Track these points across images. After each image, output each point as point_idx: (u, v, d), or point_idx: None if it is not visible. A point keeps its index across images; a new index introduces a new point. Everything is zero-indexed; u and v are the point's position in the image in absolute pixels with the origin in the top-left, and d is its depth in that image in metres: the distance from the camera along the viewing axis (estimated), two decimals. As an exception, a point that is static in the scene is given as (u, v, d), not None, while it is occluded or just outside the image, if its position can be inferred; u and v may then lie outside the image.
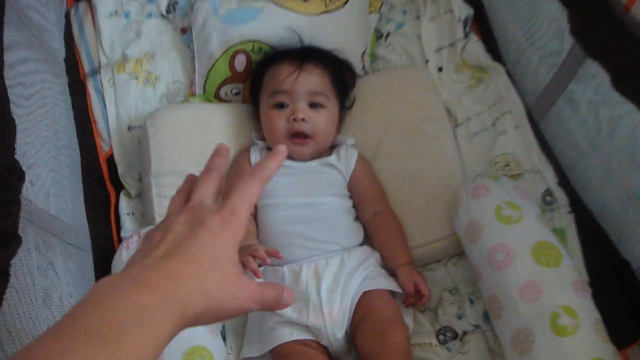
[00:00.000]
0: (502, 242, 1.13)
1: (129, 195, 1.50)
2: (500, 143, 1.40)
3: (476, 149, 1.44)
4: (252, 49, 1.53)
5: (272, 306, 0.61)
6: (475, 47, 1.54)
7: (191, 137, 1.45)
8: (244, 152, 1.44)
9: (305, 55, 1.42)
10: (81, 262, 1.20)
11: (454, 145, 1.42)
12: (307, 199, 1.34)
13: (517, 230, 1.14)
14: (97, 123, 1.57)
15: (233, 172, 1.42)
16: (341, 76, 1.45)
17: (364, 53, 1.60)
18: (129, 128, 1.56)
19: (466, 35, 1.56)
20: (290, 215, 1.33)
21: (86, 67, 1.63)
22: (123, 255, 1.24)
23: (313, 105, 1.36)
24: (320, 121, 1.36)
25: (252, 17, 1.54)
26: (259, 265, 1.20)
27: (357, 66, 1.56)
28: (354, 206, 1.38)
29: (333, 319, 1.20)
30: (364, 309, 1.20)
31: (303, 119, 1.34)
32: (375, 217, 1.35)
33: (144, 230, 1.27)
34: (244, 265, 1.14)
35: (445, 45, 1.58)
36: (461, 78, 1.54)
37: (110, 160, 1.53)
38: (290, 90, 1.36)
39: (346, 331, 1.22)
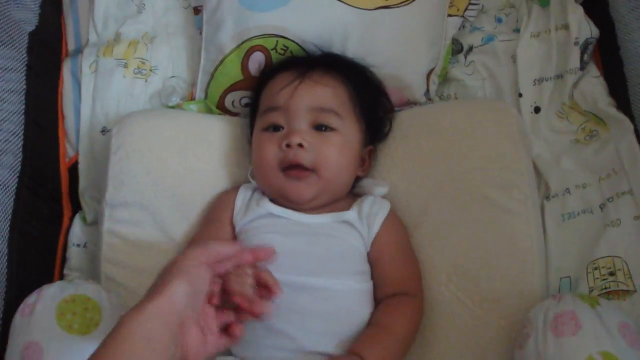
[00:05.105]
0: None
1: (84, 219, 1.20)
2: (608, 238, 1.03)
3: (570, 239, 1.07)
4: (275, 47, 1.15)
5: None
6: (594, 86, 1.17)
7: (165, 159, 1.10)
8: (231, 193, 1.07)
9: (317, 60, 1.09)
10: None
11: (537, 229, 1.04)
12: (304, 277, 0.95)
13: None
14: (66, 119, 1.25)
15: (209, 219, 1.06)
16: (368, 92, 1.09)
17: (431, 71, 1.19)
18: (103, 131, 1.23)
19: (583, 67, 1.18)
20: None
21: (71, 45, 1.33)
22: (17, 320, 0.91)
23: (319, 128, 1.01)
24: (328, 149, 1.00)
25: (281, 1, 1.15)
26: None
27: (419, 88, 1.18)
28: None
29: None
30: None
31: (301, 145, 0.97)
32: (393, 297, 0.97)
33: (48, 290, 0.92)
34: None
35: (551, 77, 1.21)
36: (566, 127, 1.18)
37: (74, 170, 1.23)
38: (286, 106, 1.02)
39: None
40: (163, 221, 1.06)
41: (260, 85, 1.09)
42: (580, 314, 0.84)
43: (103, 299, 0.93)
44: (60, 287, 0.93)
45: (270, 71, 1.10)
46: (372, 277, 1.00)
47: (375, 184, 1.06)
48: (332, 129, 1.01)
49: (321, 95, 1.02)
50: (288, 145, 0.98)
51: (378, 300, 0.98)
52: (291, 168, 0.99)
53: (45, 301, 0.91)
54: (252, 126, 1.09)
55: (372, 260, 1.00)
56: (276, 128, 1.01)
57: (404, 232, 1.04)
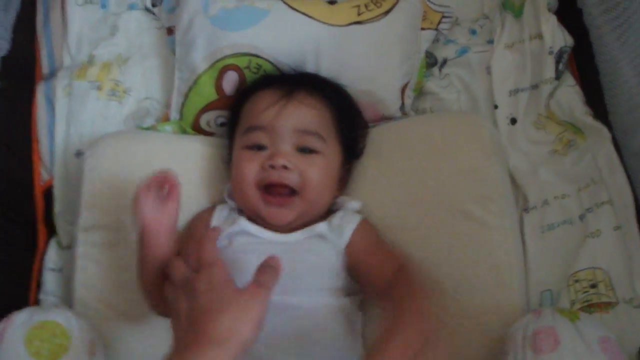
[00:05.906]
0: None
1: (59, 243, 1.18)
2: (589, 249, 1.02)
3: (550, 251, 1.05)
4: (248, 65, 1.15)
5: None
6: (570, 95, 1.16)
7: (139, 181, 1.04)
8: (207, 212, 1.06)
9: (299, 81, 1.07)
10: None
11: (515, 243, 1.03)
12: (277, 296, 0.90)
13: None
14: (41, 143, 1.24)
15: (186, 236, 1.03)
16: (348, 114, 1.09)
17: (406, 86, 1.18)
18: (78, 154, 1.21)
19: (558, 76, 1.17)
20: None
21: (45, 68, 1.31)
22: None
23: (303, 150, 1.00)
24: (312, 172, 0.99)
25: (253, 20, 1.16)
26: None
27: (394, 103, 1.17)
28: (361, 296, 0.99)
29: None
30: None
31: (285, 167, 0.96)
32: (395, 280, 0.90)
33: (17, 317, 0.91)
34: None
35: (526, 87, 1.19)
36: (543, 137, 1.16)
37: (49, 194, 1.21)
38: (271, 126, 1.00)
39: None
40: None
41: (240, 102, 1.08)
42: (560, 329, 0.83)
43: (72, 324, 0.91)
44: (29, 313, 0.92)
45: (251, 88, 1.09)
46: (359, 285, 0.97)
47: (348, 200, 1.05)
48: (315, 152, 1.00)
49: (307, 117, 1.01)
50: (271, 166, 0.97)
51: (382, 290, 0.91)
52: (270, 190, 0.97)
53: (14, 328, 0.90)
54: (230, 144, 1.07)
55: (352, 264, 0.97)
56: (259, 147, 1.00)
57: (377, 235, 1.02)
